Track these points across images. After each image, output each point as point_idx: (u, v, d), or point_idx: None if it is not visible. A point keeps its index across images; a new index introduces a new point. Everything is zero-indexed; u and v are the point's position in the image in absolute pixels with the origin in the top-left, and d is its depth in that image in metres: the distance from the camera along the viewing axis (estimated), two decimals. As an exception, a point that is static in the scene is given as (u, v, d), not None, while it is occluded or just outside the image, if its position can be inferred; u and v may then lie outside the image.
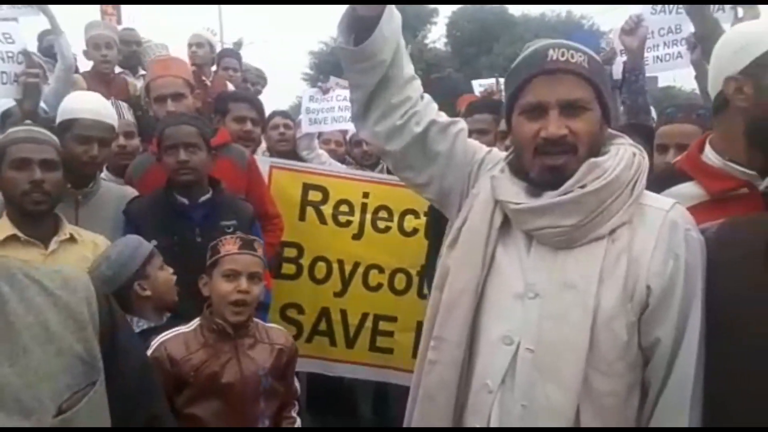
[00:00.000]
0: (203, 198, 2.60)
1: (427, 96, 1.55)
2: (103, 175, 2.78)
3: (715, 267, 1.33)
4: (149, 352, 1.93)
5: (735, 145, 1.59)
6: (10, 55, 2.90)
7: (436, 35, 29.66)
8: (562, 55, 1.34)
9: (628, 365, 1.30)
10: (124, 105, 3.10)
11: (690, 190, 1.63)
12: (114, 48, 4.21)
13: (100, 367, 1.08)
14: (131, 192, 2.65)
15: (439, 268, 1.49)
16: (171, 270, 2.25)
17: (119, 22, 5.35)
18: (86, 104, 2.52)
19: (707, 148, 1.68)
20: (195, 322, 2.06)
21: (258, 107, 3.47)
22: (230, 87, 4.53)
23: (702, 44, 2.39)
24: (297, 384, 2.25)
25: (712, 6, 2.80)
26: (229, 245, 2.05)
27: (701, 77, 3.30)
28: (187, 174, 2.53)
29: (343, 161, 4.35)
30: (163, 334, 2.01)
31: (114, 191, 2.62)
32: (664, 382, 1.31)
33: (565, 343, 1.28)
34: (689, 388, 1.29)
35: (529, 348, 1.32)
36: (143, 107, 3.56)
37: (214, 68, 4.89)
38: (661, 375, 1.31)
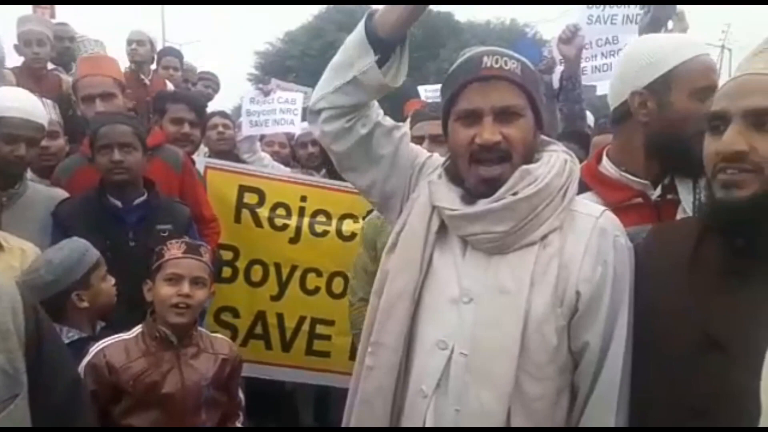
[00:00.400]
0: (138, 200, 2.52)
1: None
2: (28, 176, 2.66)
3: (643, 274, 1.36)
4: (87, 359, 1.87)
5: (632, 156, 1.66)
6: None
7: (384, 39, 29.60)
8: (496, 62, 1.36)
9: (557, 369, 1.33)
10: (49, 103, 2.95)
11: (589, 199, 1.64)
12: (47, 44, 4.05)
13: (24, 380, 1.04)
14: (61, 194, 2.54)
15: (379, 273, 1.49)
16: (113, 281, 2.18)
17: (53, 16, 5.11)
18: (14, 102, 2.41)
19: (604, 159, 1.74)
20: (137, 329, 2.01)
21: (197, 108, 3.40)
22: (170, 86, 4.42)
23: None
24: (241, 395, 2.21)
25: (631, 19, 2.88)
26: (173, 249, 2.02)
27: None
28: (121, 174, 2.45)
29: (287, 164, 4.30)
30: (104, 340, 1.94)
31: (42, 193, 2.51)
32: (592, 386, 1.33)
33: (498, 347, 1.30)
34: (615, 393, 1.31)
35: (463, 352, 1.33)
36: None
37: (153, 66, 4.76)
38: (590, 379, 1.34)
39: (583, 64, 3.35)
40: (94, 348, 1.91)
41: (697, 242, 1.28)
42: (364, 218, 3.09)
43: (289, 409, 3.80)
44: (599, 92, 4.11)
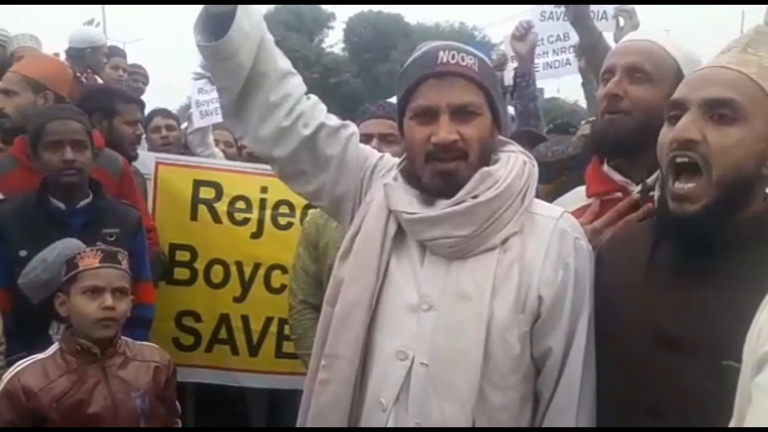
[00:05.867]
0: (83, 203, 2.33)
1: (313, 97, 1.48)
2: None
3: (601, 275, 1.35)
4: (1, 386, 1.72)
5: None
6: None
7: (334, 40, 29.78)
8: (453, 58, 1.31)
9: (521, 377, 1.29)
10: None
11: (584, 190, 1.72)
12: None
13: None
14: None
15: (332, 280, 1.43)
16: None
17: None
18: None
19: None
20: (54, 347, 1.86)
21: (143, 108, 3.23)
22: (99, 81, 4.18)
23: (586, 54, 2.48)
24: (176, 403, 2.09)
25: (593, 16, 2.92)
26: (88, 258, 1.87)
27: (587, 84, 3.46)
28: (72, 175, 2.26)
29: (234, 162, 4.16)
30: (18, 363, 1.79)
31: None
32: (554, 391, 1.31)
33: (460, 356, 1.25)
34: (576, 395, 1.29)
35: (423, 362, 1.28)
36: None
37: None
38: (552, 384, 1.31)
39: (534, 61, 3.35)
40: (8, 373, 1.77)
41: (655, 242, 1.28)
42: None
43: (241, 415, 3.68)
44: (547, 95, 4.16)
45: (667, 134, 1.22)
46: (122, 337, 1.94)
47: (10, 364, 1.91)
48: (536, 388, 1.33)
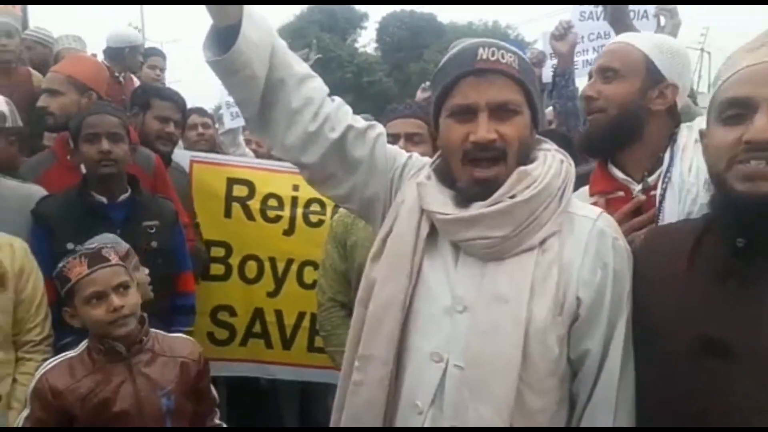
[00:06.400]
0: (123, 197, 2.41)
1: (337, 99, 1.46)
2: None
3: (640, 277, 1.32)
4: (32, 384, 1.75)
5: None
6: None
7: (367, 39, 29.88)
8: (492, 55, 1.29)
9: (558, 380, 1.27)
10: (1, 99, 2.70)
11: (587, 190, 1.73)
12: (15, 37, 3.86)
13: None
14: (36, 191, 2.40)
15: (363, 281, 1.41)
16: (146, 271, 2.15)
17: (24, 12, 4.94)
18: None
19: None
20: (83, 345, 1.86)
21: (183, 109, 3.26)
22: (136, 82, 4.26)
23: None
24: (214, 392, 2.09)
25: (634, 16, 2.88)
26: (76, 268, 1.82)
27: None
28: (109, 166, 2.33)
29: (266, 161, 4.19)
30: (48, 362, 1.81)
31: (15, 190, 2.36)
32: (591, 393, 1.29)
33: (496, 358, 1.23)
34: (613, 397, 1.27)
35: (458, 365, 1.26)
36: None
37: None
38: (589, 387, 1.29)
39: (574, 59, 3.31)
40: (38, 371, 1.79)
41: (695, 244, 1.25)
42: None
43: (273, 411, 3.70)
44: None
45: (726, 136, 1.16)
46: (152, 329, 1.94)
47: (59, 351, 1.96)
48: (572, 391, 1.31)
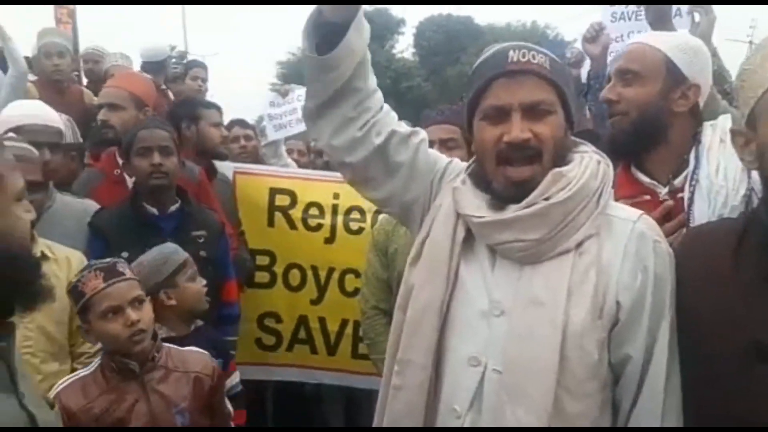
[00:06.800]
0: (173, 208, 2.52)
1: (386, 106, 1.48)
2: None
3: (681, 280, 1.29)
4: None
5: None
6: None
7: (404, 45, 29.92)
8: (523, 56, 1.29)
9: (598, 384, 1.25)
10: (63, 117, 2.79)
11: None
12: (67, 56, 4.05)
13: None
14: (92, 205, 2.52)
15: (402, 286, 1.42)
16: (204, 282, 2.20)
17: (75, 31, 5.15)
18: (30, 110, 2.41)
19: None
20: (95, 363, 1.84)
21: (222, 113, 3.40)
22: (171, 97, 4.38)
23: None
24: (229, 407, 2.11)
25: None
26: (93, 281, 1.78)
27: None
28: (160, 178, 2.44)
29: (306, 171, 4.26)
30: (62, 381, 1.80)
31: (72, 205, 2.49)
32: (635, 399, 1.27)
33: (534, 362, 1.22)
34: (660, 405, 1.25)
35: (497, 369, 1.26)
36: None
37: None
38: (632, 393, 1.27)
39: (608, 59, 3.26)
40: (52, 391, 1.75)
41: (737, 245, 1.22)
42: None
43: (318, 415, 3.75)
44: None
45: None
46: (165, 344, 1.93)
47: None
48: (615, 396, 1.29)
